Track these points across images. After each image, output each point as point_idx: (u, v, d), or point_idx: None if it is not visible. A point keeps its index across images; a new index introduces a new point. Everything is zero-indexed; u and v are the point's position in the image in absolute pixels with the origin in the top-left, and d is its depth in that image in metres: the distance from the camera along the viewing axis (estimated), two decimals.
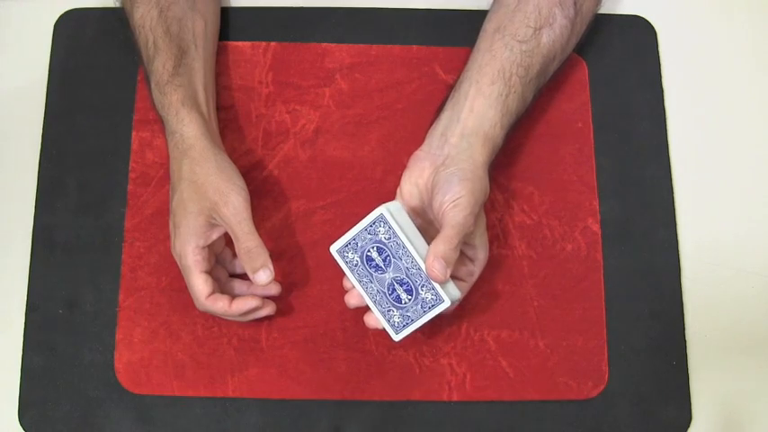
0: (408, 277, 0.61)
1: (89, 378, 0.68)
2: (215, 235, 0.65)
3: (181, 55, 0.67)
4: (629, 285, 0.71)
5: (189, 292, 0.65)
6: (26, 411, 0.67)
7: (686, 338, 0.70)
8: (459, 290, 0.64)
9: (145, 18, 0.68)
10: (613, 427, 0.68)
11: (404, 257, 0.61)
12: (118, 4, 0.72)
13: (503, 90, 0.66)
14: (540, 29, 0.67)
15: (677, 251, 0.72)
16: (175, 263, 0.65)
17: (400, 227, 0.60)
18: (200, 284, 0.63)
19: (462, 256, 0.65)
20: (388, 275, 0.62)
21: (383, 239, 0.61)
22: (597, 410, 0.68)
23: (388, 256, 0.61)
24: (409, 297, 0.61)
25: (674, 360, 0.70)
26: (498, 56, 0.66)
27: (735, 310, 0.72)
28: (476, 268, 0.65)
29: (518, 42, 0.67)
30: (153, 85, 0.67)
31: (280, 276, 0.70)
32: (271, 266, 0.64)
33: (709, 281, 0.72)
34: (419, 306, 0.61)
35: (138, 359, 0.68)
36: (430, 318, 0.62)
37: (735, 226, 0.73)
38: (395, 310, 0.62)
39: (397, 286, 0.62)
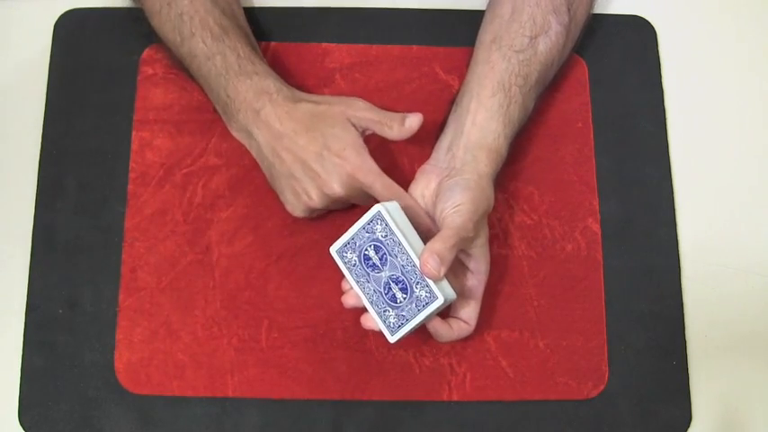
0: (404, 275, 0.61)
1: (89, 378, 0.68)
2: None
3: (246, 33, 0.70)
4: (629, 285, 0.71)
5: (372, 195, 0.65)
6: (26, 411, 0.67)
7: (686, 338, 0.70)
8: (471, 311, 0.65)
9: (197, 4, 0.67)
10: (613, 427, 0.68)
11: (399, 255, 0.61)
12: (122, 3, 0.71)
13: (503, 101, 0.66)
14: (536, 37, 0.67)
15: (677, 251, 0.72)
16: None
17: (396, 224, 0.61)
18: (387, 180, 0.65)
19: (462, 267, 0.66)
20: (385, 274, 0.62)
21: (380, 237, 0.61)
22: (597, 410, 0.68)
23: (385, 254, 0.61)
24: (404, 296, 0.61)
25: (674, 360, 0.70)
26: (497, 67, 0.67)
27: (735, 311, 0.72)
28: (478, 282, 0.65)
29: (515, 53, 0.67)
30: (233, 59, 0.66)
31: (280, 276, 0.70)
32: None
33: (710, 281, 0.72)
34: (413, 305, 0.61)
35: (138, 359, 0.68)
36: (424, 316, 0.61)
37: (735, 226, 0.73)
38: (390, 310, 0.62)
39: (392, 285, 0.62)
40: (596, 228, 0.72)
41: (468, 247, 0.64)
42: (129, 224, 0.71)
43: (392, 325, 0.62)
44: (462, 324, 0.65)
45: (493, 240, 0.71)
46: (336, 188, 0.64)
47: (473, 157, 0.65)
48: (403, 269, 0.61)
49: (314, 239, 0.71)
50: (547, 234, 0.72)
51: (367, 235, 0.62)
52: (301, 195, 0.65)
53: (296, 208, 0.67)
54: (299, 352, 0.69)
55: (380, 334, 0.65)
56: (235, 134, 0.70)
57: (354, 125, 0.66)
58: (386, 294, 0.62)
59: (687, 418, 0.69)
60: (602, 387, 0.69)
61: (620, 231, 0.72)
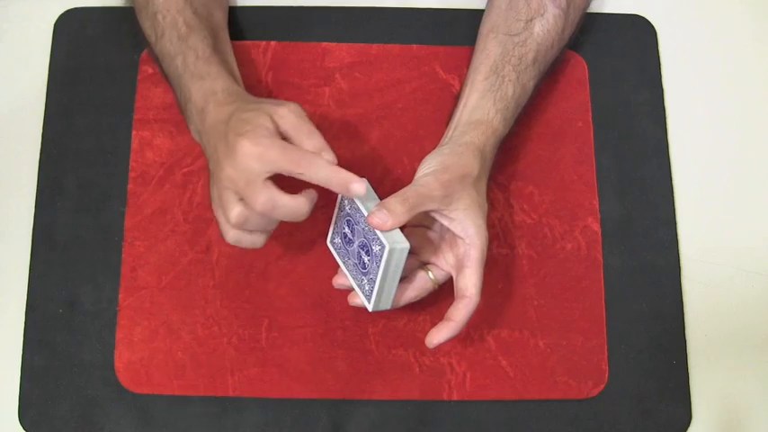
0: (365, 237, 0.61)
1: (89, 378, 0.68)
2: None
3: (214, 35, 0.68)
4: (629, 285, 0.71)
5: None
6: (26, 411, 0.67)
7: (686, 338, 0.70)
8: (467, 279, 0.61)
9: (170, 3, 0.67)
10: (613, 426, 0.68)
11: (360, 220, 0.62)
12: (122, 3, 0.72)
13: (495, 81, 0.67)
14: (532, 20, 0.68)
15: (677, 251, 0.72)
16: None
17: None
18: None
19: (451, 235, 0.63)
20: (355, 244, 0.63)
21: (349, 212, 0.63)
22: (597, 410, 0.68)
23: (354, 225, 0.63)
24: (368, 258, 0.61)
25: (674, 360, 0.70)
26: (492, 54, 0.68)
27: (735, 310, 0.72)
28: (470, 247, 0.62)
29: (510, 37, 0.68)
30: (191, 59, 0.65)
31: (280, 276, 0.70)
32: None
33: (710, 281, 0.72)
34: (374, 264, 0.61)
35: (138, 359, 0.68)
36: (383, 271, 0.60)
37: (735, 225, 0.73)
38: (364, 278, 0.63)
39: (361, 251, 0.62)
40: (596, 227, 0.72)
41: (441, 208, 0.61)
42: (129, 224, 0.71)
43: (367, 292, 0.63)
44: (462, 299, 0.62)
45: (493, 240, 0.71)
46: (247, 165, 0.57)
47: (460, 133, 0.65)
48: (364, 232, 0.61)
49: (314, 239, 0.71)
50: (547, 233, 0.72)
51: (341, 213, 0.64)
52: (222, 197, 0.59)
53: (221, 226, 0.61)
54: (298, 352, 0.69)
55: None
56: (193, 136, 0.66)
57: (274, 121, 0.60)
58: (359, 264, 0.63)
59: (687, 418, 0.69)
60: (602, 386, 0.69)
61: (620, 231, 0.72)
